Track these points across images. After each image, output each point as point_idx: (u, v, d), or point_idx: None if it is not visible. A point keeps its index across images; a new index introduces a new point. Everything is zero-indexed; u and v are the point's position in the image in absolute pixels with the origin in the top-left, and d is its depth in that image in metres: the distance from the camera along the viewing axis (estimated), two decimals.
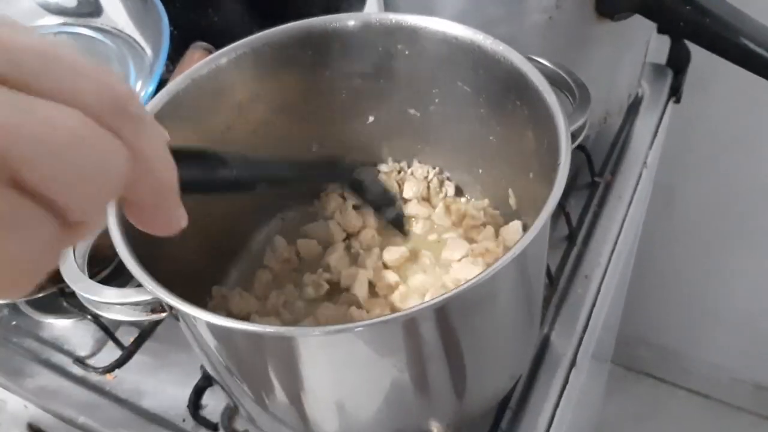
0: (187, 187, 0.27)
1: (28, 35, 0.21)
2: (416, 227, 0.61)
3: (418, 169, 0.63)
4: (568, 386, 0.57)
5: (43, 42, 0.21)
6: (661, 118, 0.81)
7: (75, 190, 0.21)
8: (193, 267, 0.55)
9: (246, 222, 0.62)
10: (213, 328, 0.41)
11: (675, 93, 0.85)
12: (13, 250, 0.20)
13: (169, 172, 0.26)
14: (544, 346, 0.59)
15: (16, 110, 0.20)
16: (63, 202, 0.21)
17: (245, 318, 0.55)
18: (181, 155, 0.27)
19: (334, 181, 0.62)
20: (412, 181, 0.63)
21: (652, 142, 0.78)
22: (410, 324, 0.38)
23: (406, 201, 0.63)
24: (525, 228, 0.55)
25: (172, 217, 0.27)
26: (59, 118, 0.20)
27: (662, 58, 0.85)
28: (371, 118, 0.61)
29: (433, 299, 0.36)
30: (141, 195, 0.25)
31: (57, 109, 0.21)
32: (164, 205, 0.26)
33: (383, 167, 0.64)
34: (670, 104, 0.84)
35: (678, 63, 0.84)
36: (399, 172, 0.64)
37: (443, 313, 0.39)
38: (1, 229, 0.20)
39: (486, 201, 0.60)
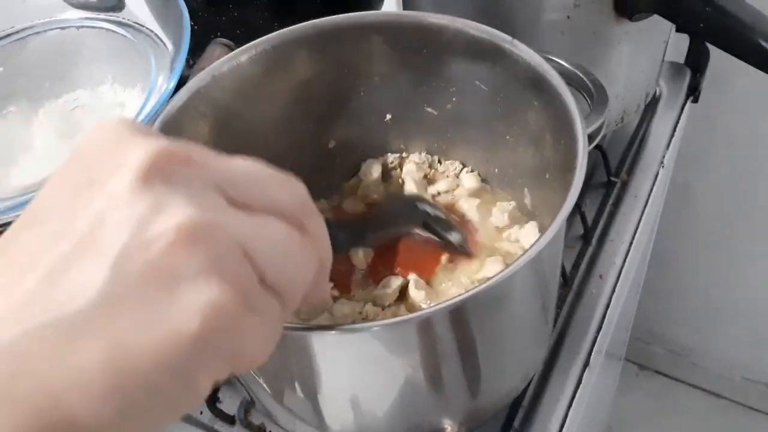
0: None
1: (225, 159, 0.27)
2: None
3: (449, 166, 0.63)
4: (581, 386, 0.57)
5: (240, 162, 0.27)
6: (678, 118, 0.81)
7: (293, 283, 0.27)
8: None
9: None
10: None
11: (693, 92, 0.84)
12: (263, 328, 0.26)
13: (329, 255, 0.30)
14: (557, 345, 0.59)
15: (256, 227, 0.26)
16: (284, 292, 0.27)
17: None
18: None
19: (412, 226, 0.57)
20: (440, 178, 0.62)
21: (669, 142, 0.78)
22: (425, 325, 0.39)
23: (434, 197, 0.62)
24: (541, 228, 0.55)
25: (325, 291, 0.32)
26: (278, 228, 0.27)
27: (681, 57, 0.85)
28: (389, 116, 0.61)
29: (447, 300, 0.36)
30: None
31: (274, 222, 0.27)
32: (322, 282, 0.31)
33: (414, 157, 0.64)
34: (688, 104, 0.84)
35: (697, 62, 0.84)
36: (430, 166, 0.63)
37: (458, 314, 0.39)
38: (254, 312, 0.25)
39: (513, 203, 0.59)
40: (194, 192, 0.24)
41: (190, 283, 0.23)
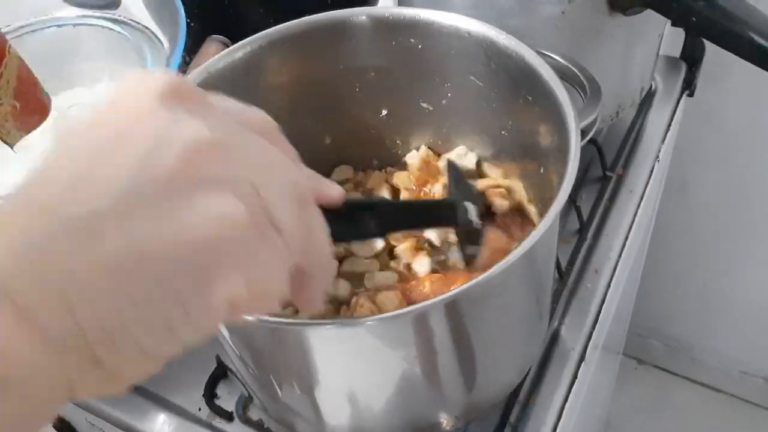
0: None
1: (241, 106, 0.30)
2: None
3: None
4: (577, 380, 0.58)
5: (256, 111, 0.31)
6: (674, 112, 0.81)
7: (293, 231, 0.28)
8: None
9: None
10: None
11: (689, 86, 0.84)
12: (272, 261, 0.27)
13: (326, 259, 0.31)
14: (553, 339, 0.60)
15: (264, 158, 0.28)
16: (288, 236, 0.28)
17: None
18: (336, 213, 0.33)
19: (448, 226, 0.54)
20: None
21: (664, 136, 0.78)
22: (421, 318, 0.39)
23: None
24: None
25: (317, 297, 0.32)
26: (287, 168, 0.29)
27: (676, 51, 0.85)
28: (384, 112, 0.61)
29: (442, 295, 0.36)
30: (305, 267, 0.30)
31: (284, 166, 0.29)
32: (316, 283, 0.31)
33: (460, 150, 0.61)
34: (684, 97, 0.84)
35: (692, 56, 0.84)
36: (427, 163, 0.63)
37: (453, 308, 0.39)
38: (263, 241, 0.26)
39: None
40: (210, 117, 0.26)
41: (206, 192, 0.25)
